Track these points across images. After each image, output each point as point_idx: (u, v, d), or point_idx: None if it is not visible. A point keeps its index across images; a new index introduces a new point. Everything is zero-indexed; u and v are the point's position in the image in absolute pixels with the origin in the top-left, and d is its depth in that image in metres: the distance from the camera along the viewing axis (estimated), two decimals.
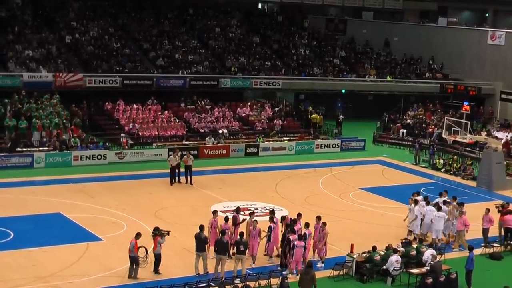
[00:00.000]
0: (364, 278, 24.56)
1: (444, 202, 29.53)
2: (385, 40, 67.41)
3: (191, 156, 36.83)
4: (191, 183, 36.07)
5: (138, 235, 23.80)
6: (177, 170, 36.37)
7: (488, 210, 29.14)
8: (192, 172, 36.47)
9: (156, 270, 23.92)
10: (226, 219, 25.85)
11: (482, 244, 28.51)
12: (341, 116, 53.35)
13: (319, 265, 25.20)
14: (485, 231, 28.95)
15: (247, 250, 24.44)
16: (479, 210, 30.33)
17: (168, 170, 36.47)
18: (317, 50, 63.55)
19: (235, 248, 24.19)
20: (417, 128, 51.47)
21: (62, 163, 38.90)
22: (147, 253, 23.92)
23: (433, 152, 44.88)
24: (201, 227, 24.44)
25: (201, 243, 24.12)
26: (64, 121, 42.17)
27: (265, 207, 31.49)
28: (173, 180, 36.19)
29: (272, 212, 26.83)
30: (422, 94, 59.50)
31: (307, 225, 25.58)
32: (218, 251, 23.88)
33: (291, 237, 24.67)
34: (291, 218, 26.63)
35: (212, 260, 24.25)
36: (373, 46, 66.51)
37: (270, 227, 25.60)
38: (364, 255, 25.36)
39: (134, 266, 23.52)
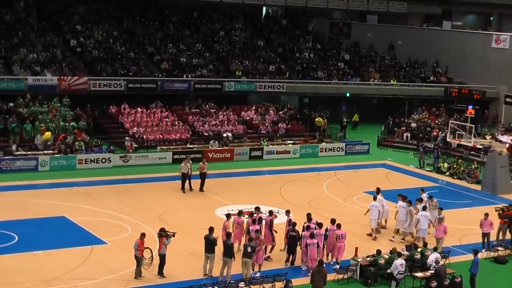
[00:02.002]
0: (368, 281, 24.54)
1: (404, 200, 29.89)
2: (389, 44, 67.42)
3: (206, 163, 36.38)
4: (202, 190, 35.48)
5: (142, 235, 23.87)
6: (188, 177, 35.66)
7: (486, 214, 29.05)
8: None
9: (160, 272, 23.95)
10: (240, 213, 26.89)
11: (484, 250, 28.43)
12: (345, 120, 53.38)
13: None
14: (485, 235, 28.89)
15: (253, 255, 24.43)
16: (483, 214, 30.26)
17: (174, 174, 36.50)
18: (322, 53, 63.58)
19: (243, 251, 24.16)
20: (422, 131, 51.42)
21: (66, 167, 38.98)
22: (152, 255, 23.94)
23: (438, 155, 44.83)
24: (211, 229, 24.46)
25: (210, 244, 24.14)
26: (67, 124, 42.21)
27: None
28: (185, 188, 35.52)
29: (257, 209, 27.11)
30: (426, 97, 59.47)
31: (319, 225, 26.06)
32: (224, 254, 23.93)
33: (303, 234, 25.44)
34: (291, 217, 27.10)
35: (218, 263, 24.28)
36: (378, 50, 66.51)
37: (257, 230, 25.44)
38: (368, 258, 25.34)
39: (139, 266, 23.65)
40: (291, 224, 26.30)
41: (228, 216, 26.69)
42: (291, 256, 25.97)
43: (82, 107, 45.70)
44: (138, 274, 23.68)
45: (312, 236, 25.17)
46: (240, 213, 26.90)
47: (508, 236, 29.87)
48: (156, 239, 24.76)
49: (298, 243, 25.81)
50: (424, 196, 31.41)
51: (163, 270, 24.00)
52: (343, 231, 26.26)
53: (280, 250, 26.79)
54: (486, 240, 28.89)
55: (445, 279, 23.70)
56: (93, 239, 27.57)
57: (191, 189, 35.56)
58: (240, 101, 53.46)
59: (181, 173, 35.59)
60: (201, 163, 35.95)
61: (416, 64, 65.06)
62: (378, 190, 31.05)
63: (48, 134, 40.74)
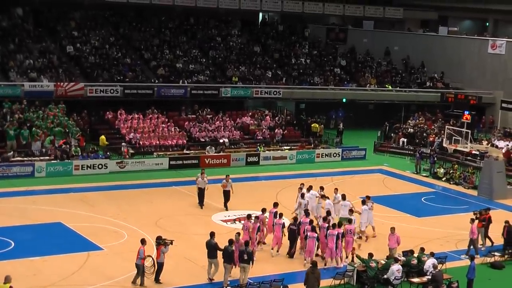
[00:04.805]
0: (365, 287, 24.52)
1: (323, 196, 31.08)
2: (385, 49, 67.52)
3: (230, 180, 33.79)
4: (226, 208, 33.70)
5: (143, 242, 23.72)
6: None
7: (472, 220, 29.09)
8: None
9: (157, 279, 23.87)
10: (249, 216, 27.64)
11: (467, 255, 28.32)
12: (341, 126, 53.41)
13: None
14: (471, 241, 28.86)
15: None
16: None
17: (171, 179, 36.35)
18: (318, 59, 63.65)
19: (240, 257, 24.19)
20: (418, 137, 51.47)
21: (63, 173, 38.95)
22: (154, 263, 23.83)
23: (434, 161, 44.87)
24: (212, 234, 24.46)
25: (212, 250, 24.13)
26: (70, 129, 42.27)
27: (266, 216, 31.43)
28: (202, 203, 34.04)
29: (248, 217, 27.56)
30: (423, 103, 59.57)
31: (334, 226, 26.91)
32: (225, 260, 23.95)
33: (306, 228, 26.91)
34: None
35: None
36: (374, 55, 66.58)
37: (259, 227, 26.74)
38: (356, 257, 25.51)
39: (139, 274, 23.44)
40: (277, 216, 27.74)
41: (249, 216, 27.14)
42: (290, 249, 27.28)
43: (79, 113, 45.68)
44: (141, 282, 23.43)
45: (313, 229, 26.49)
46: (249, 216, 27.31)
47: (488, 242, 30.03)
48: (153, 246, 24.72)
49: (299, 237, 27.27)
50: (339, 195, 31.29)
51: (160, 277, 23.92)
52: (352, 226, 27.31)
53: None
54: (472, 245, 28.89)
55: (441, 285, 23.70)
56: (90, 245, 27.53)
57: (202, 205, 34.06)
58: (236, 107, 53.51)
59: (197, 188, 34.06)
60: (224, 180, 33.83)
61: (412, 70, 65.17)
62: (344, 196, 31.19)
63: (103, 138, 42.15)
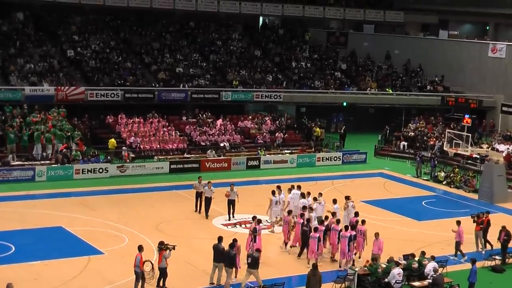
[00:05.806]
0: None
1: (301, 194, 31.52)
2: (386, 53, 67.53)
3: (235, 189, 32.99)
4: (233, 216, 32.84)
5: (141, 249, 23.42)
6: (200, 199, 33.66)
7: (458, 222, 29.06)
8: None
9: (158, 284, 23.77)
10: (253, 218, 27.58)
11: (453, 257, 28.37)
12: (343, 130, 53.43)
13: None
14: (456, 244, 28.87)
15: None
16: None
17: (171, 183, 36.25)
18: (318, 63, 63.67)
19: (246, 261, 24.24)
20: (419, 140, 51.45)
21: (63, 177, 38.91)
22: (153, 267, 23.72)
23: (435, 164, 44.86)
24: (220, 238, 24.43)
25: (219, 254, 24.10)
26: (69, 133, 42.26)
27: (267, 220, 31.46)
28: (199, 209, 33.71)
29: (254, 218, 27.44)
30: (423, 107, 59.57)
31: (346, 227, 27.23)
32: (226, 264, 23.90)
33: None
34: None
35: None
36: (374, 59, 66.58)
37: (255, 229, 26.41)
38: (365, 268, 25.35)
39: (140, 281, 23.13)
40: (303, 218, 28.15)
41: (254, 218, 27.09)
42: (302, 250, 27.64)
43: (79, 117, 45.71)
44: None
45: (315, 230, 26.93)
46: (254, 218, 27.23)
47: (488, 246, 29.98)
48: (154, 250, 24.67)
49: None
50: (309, 199, 31.44)
51: (166, 283, 23.71)
52: (363, 227, 27.59)
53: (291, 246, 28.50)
54: (457, 247, 28.93)
55: None
56: (90, 249, 27.51)
57: (206, 214, 33.24)
58: (237, 110, 53.53)
59: (204, 198, 33.36)
60: (228, 189, 33.11)
61: (413, 73, 65.18)
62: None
63: (113, 141, 42.71)
